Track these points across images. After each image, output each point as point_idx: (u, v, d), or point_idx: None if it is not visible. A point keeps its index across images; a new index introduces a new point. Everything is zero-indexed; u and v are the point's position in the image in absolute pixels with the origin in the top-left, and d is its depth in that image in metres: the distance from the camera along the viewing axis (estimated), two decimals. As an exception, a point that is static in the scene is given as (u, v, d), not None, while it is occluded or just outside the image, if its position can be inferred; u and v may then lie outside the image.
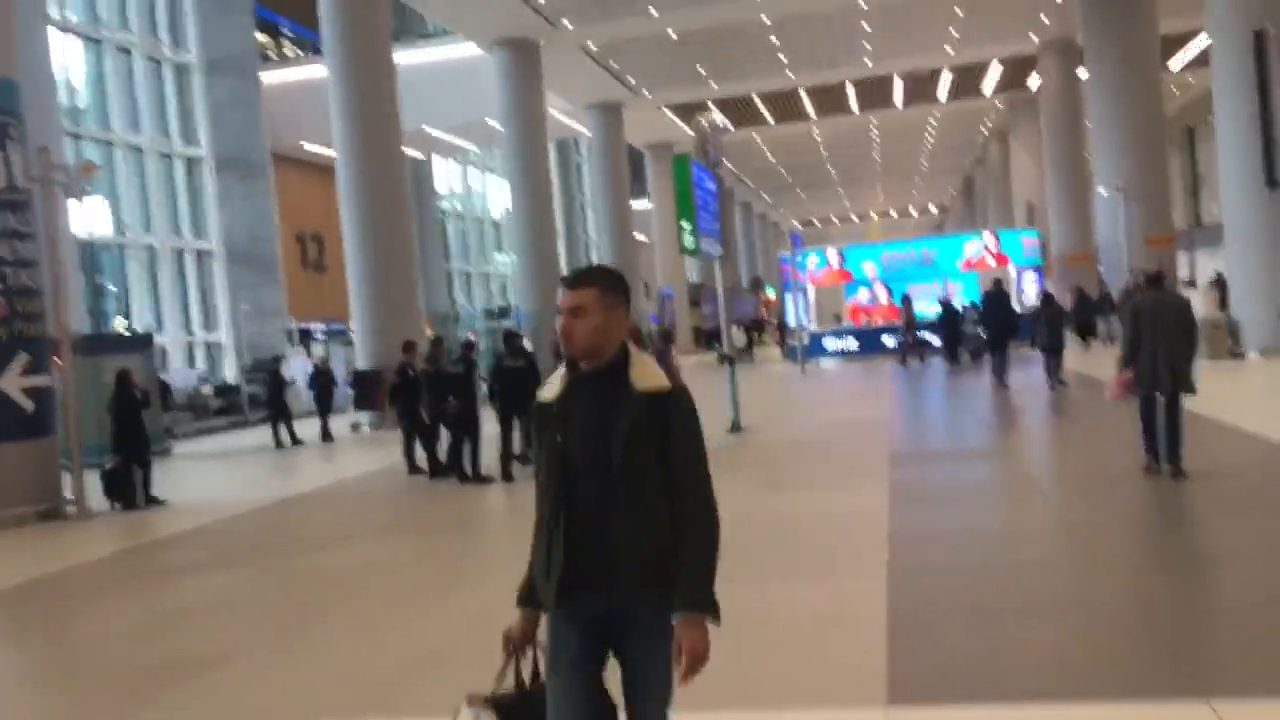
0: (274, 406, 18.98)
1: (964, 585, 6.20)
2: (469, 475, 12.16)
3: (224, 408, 25.44)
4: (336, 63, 21.07)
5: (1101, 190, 26.95)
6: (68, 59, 30.66)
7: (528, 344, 13.56)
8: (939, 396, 19.53)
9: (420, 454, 13.17)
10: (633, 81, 35.02)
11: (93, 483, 12.62)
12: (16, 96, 12.52)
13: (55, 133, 27.18)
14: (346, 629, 6.46)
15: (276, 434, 18.61)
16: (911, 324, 25.73)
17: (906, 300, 25.96)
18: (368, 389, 18.72)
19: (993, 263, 28.79)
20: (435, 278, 44.14)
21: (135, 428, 12.75)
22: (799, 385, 23.61)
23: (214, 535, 10.58)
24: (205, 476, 16.38)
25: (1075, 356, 22.35)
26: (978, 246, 29.67)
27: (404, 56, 34.59)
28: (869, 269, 30.16)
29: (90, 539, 10.93)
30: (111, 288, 32.15)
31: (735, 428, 14.76)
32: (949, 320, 24.10)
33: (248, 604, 7.47)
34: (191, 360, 33.99)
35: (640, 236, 45.30)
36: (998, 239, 30.00)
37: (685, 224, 13.54)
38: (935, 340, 25.56)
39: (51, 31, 27.52)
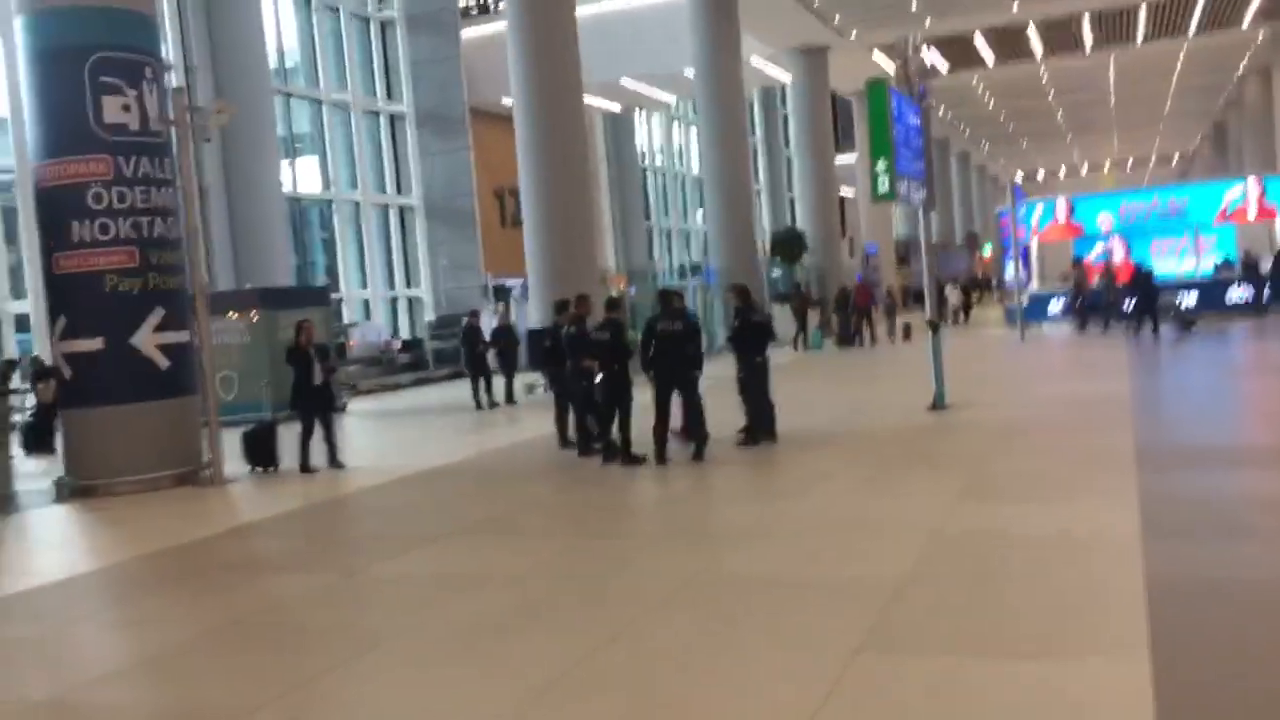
0: (471, 364, 17.75)
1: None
2: (616, 452, 10.46)
3: (411, 363, 24.85)
4: (514, 11, 19.78)
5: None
6: (279, 19, 30.81)
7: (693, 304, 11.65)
8: (1194, 371, 16.41)
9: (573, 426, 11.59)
10: (838, 20, 32.19)
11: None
12: (155, 35, 11.54)
13: (265, 91, 27.28)
14: (385, 686, 4.84)
15: (476, 393, 17.41)
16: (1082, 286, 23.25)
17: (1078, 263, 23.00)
18: (535, 349, 17.34)
19: (1253, 215, 24.66)
20: (635, 235, 42.82)
21: (306, 384, 11.65)
22: (1017, 353, 20.75)
23: (310, 520, 9.33)
24: (365, 437, 15.43)
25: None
26: (1238, 194, 25.46)
27: (600, 4, 33.17)
28: (1104, 222, 26.50)
29: (201, 511, 9.90)
30: (322, 238, 32.33)
31: (937, 405, 12.45)
32: (1143, 288, 21.37)
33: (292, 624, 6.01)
34: (395, 315, 34.02)
35: (847, 191, 42.49)
36: (1263, 187, 25.66)
37: (880, 163, 11.27)
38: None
39: (260, -8, 27.50)
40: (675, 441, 10.41)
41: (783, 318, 26.14)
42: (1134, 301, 21.71)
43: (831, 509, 7.88)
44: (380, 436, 15.68)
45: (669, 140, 48.91)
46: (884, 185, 11.31)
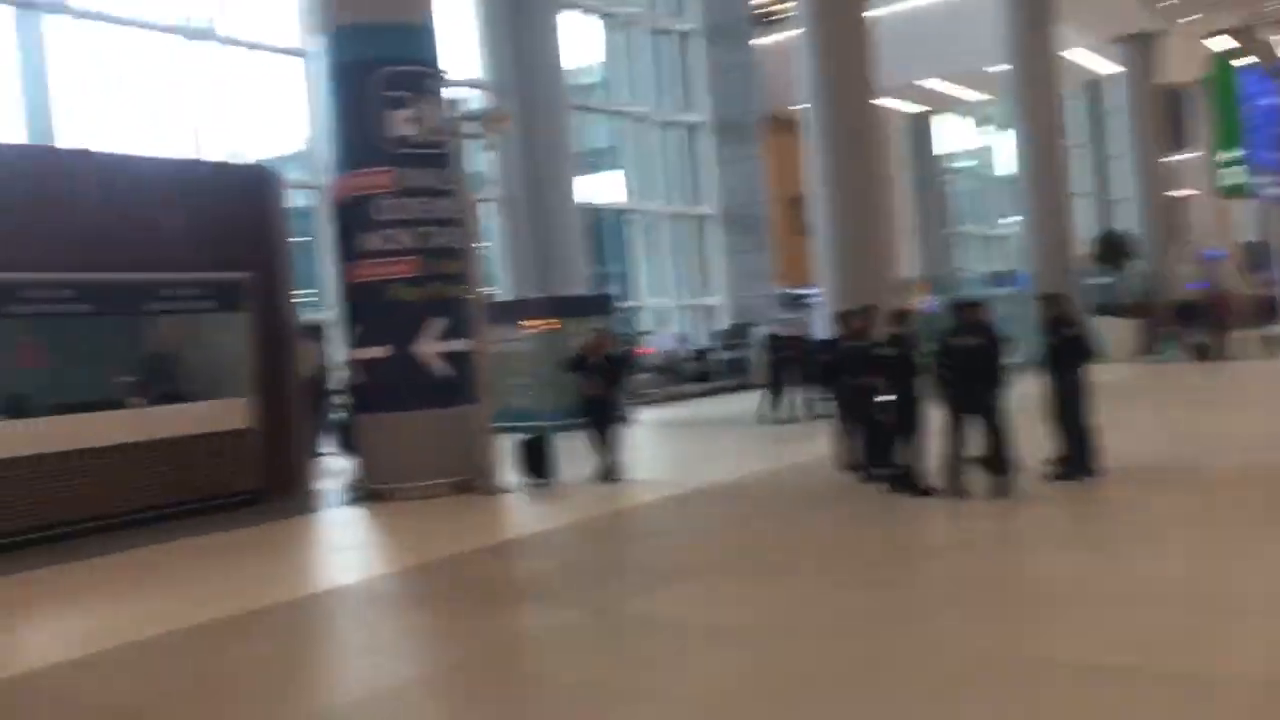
0: (765, 377, 16.88)
1: None
2: (904, 482, 9.25)
3: (700, 373, 24.40)
4: (806, 14, 18.86)
5: None
6: (577, 36, 31.50)
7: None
8: None
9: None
10: (1166, 5, 28.72)
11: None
12: (434, 46, 11.55)
13: (564, 107, 27.92)
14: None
15: (767, 406, 16.47)
16: None
17: None
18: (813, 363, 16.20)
19: None
20: (937, 242, 40.55)
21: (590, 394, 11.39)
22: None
23: (571, 540, 8.78)
24: (648, 449, 14.95)
25: None
26: None
27: (900, 3, 31.52)
28: None
29: (468, 522, 9.64)
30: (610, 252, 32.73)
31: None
32: None
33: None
34: (689, 324, 33.92)
35: (1181, 192, 38.04)
36: None
37: (1228, 152, 9.36)
38: None
39: (562, 13, 28.15)
40: (975, 473, 9.06)
41: (1107, 330, 23.56)
42: None
43: (1171, 570, 6.36)
44: (662, 449, 15.18)
45: (975, 141, 46.03)
46: (1233, 177, 9.38)
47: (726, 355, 24.68)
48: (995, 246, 45.15)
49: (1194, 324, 23.48)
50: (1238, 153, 9.33)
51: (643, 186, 32.91)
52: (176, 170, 12.59)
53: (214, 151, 21.47)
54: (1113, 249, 28.98)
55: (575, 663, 5.40)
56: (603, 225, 32.51)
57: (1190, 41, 31.18)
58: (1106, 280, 27.59)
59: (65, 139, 19.37)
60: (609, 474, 11.12)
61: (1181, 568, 6.39)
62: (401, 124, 10.88)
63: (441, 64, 11.56)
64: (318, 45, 11.46)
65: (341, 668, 5.75)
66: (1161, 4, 28.66)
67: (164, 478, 10.33)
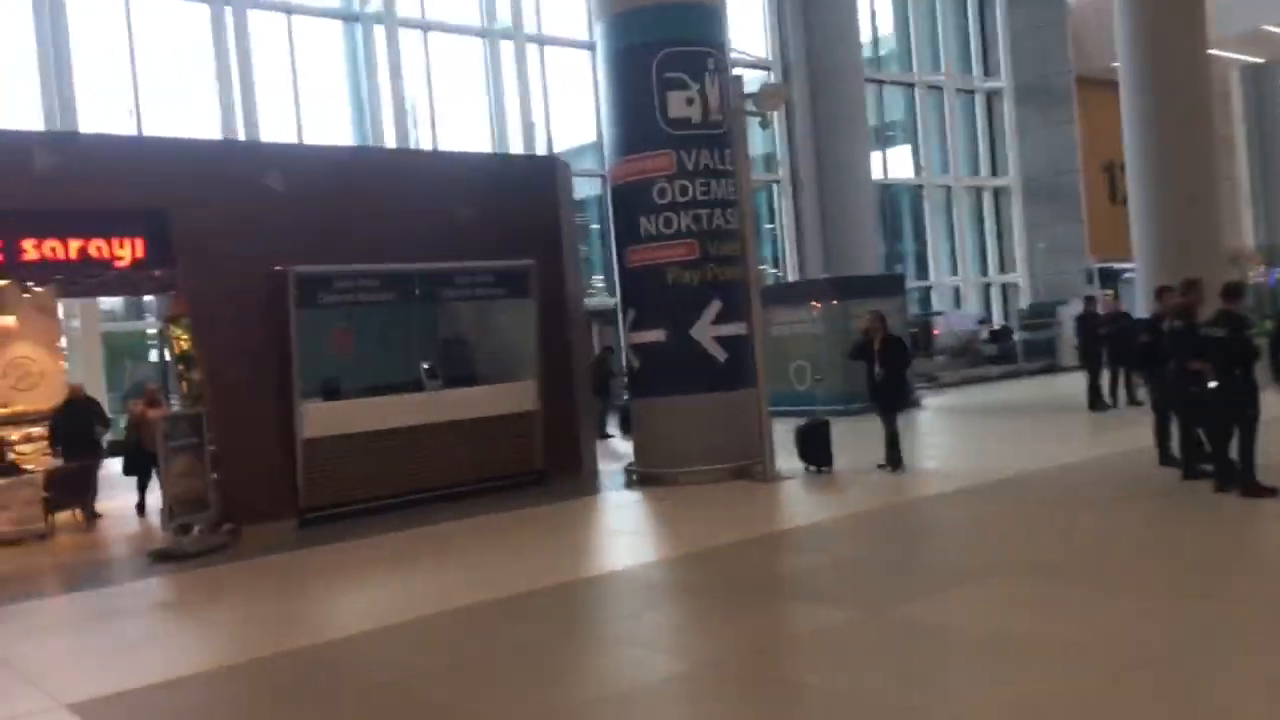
0: (1086, 358, 15.31)
1: None
2: (1235, 478, 8.07)
3: (999, 355, 22.92)
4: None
5: None
6: (873, 6, 30.35)
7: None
8: None
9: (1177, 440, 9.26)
10: None
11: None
12: (720, 25, 11.31)
13: (857, 80, 27.00)
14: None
15: (1093, 390, 14.78)
16: None
17: None
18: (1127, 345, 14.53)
19: None
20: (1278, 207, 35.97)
21: (870, 379, 10.79)
22: None
23: (850, 532, 8.30)
24: (940, 435, 14.14)
25: None
26: None
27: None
28: None
29: (746, 510, 9.39)
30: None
31: None
32: None
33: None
34: (987, 303, 32.06)
35: None
36: None
37: None
38: None
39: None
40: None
41: None
42: None
43: None
44: (956, 435, 14.29)
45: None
46: None
47: (1028, 336, 22.96)
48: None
49: None
50: None
51: (939, 159, 31.36)
52: (471, 164, 13.20)
53: (514, 144, 22.55)
54: None
55: (838, 670, 5.00)
56: (896, 201, 31.32)
57: None
58: None
59: (390, 138, 21.01)
60: (893, 463, 10.53)
61: None
62: (681, 105, 10.76)
63: (726, 42, 11.36)
64: (599, 32, 11.52)
65: (599, 658, 5.66)
66: None
67: (465, 456, 10.83)
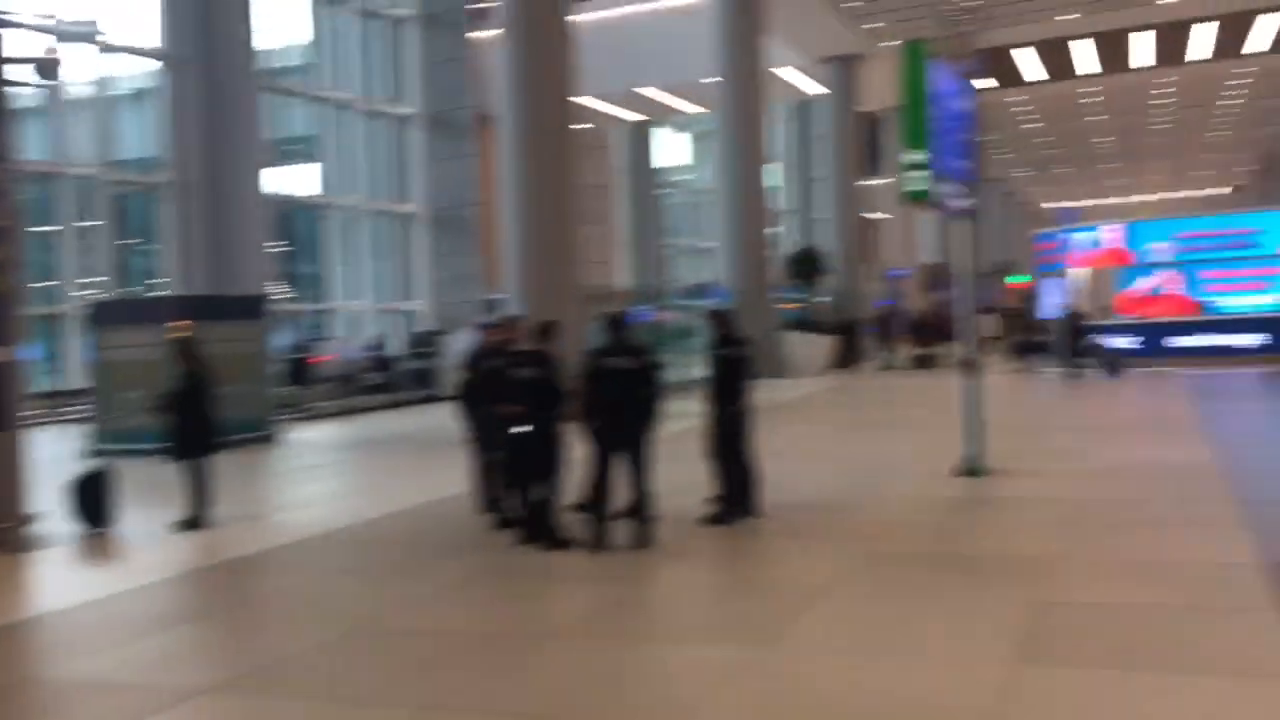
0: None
1: None
2: (536, 530, 7.59)
3: (382, 384, 22.01)
4: (507, 12, 17.16)
5: None
6: (280, 13, 28.29)
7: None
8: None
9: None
10: (870, 28, 29.22)
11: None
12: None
13: (251, 87, 24.73)
14: None
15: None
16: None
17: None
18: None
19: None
20: (651, 255, 39.91)
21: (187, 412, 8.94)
22: (1060, 400, 17.63)
23: (60, 634, 6.45)
24: (273, 479, 12.63)
25: None
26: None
27: (622, 8, 30.50)
28: (1159, 251, 23.12)
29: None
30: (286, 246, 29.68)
31: (971, 471, 9.45)
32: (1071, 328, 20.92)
33: None
34: (391, 331, 31.34)
35: (885, 215, 39.24)
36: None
37: (913, 155, 8.32)
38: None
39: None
40: (618, 520, 7.49)
41: (800, 345, 23.28)
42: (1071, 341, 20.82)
43: (821, 671, 4.91)
44: (305, 476, 12.83)
45: (693, 154, 46.06)
46: (917, 182, 8.34)
47: (413, 365, 22.41)
48: (709, 260, 45.35)
49: (920, 338, 26.02)
50: (923, 156, 8.28)
51: (343, 180, 30.10)
52: None
53: None
54: (806, 265, 29.10)
55: None
56: (298, 220, 29.48)
57: (891, 64, 31.97)
58: (800, 296, 27.63)
59: None
60: (191, 520, 8.75)
61: (832, 663, 4.96)
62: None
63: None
64: None
65: None
66: (867, 26, 29.05)
67: None
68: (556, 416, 7.68)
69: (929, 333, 25.81)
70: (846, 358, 24.48)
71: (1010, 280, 48.76)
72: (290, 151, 29.85)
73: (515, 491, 7.99)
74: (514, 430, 7.74)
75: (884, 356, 26.93)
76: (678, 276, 41.25)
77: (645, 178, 39.63)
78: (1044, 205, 67.95)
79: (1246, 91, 39.74)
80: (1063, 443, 12.10)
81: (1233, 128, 47.59)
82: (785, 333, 23.70)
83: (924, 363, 25.24)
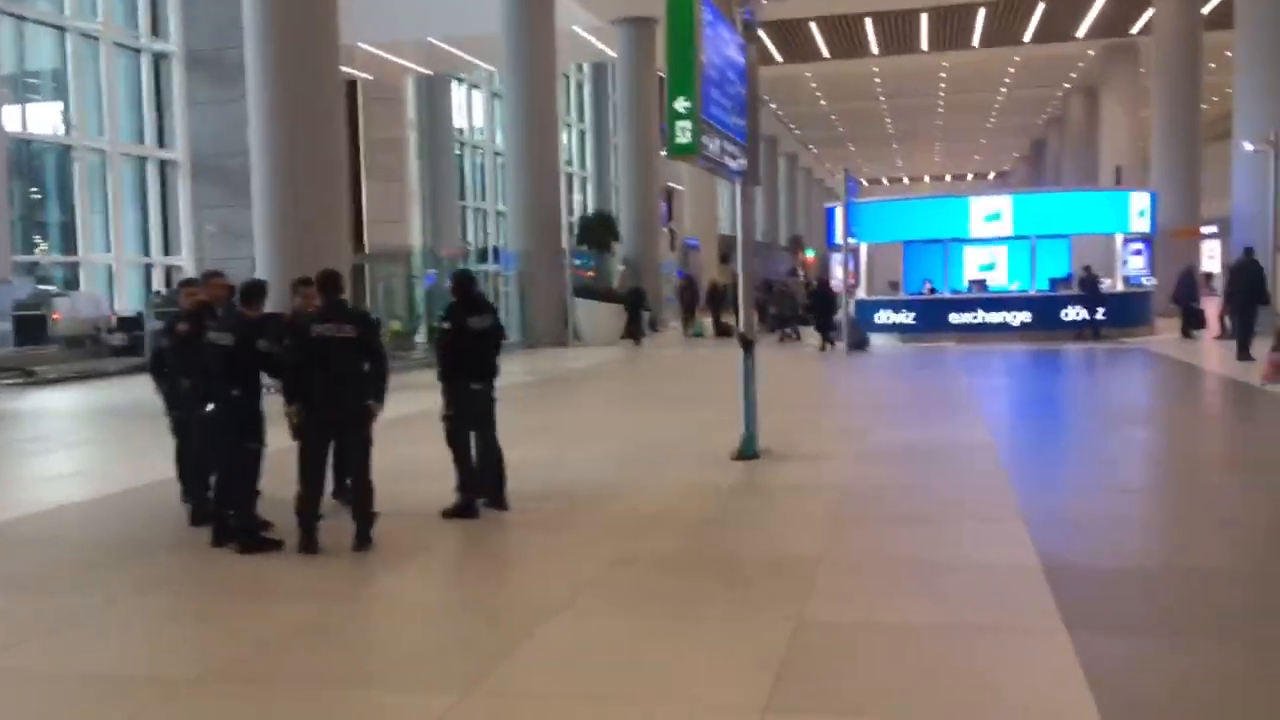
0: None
1: None
2: (231, 530, 6.23)
3: (127, 346, 19.61)
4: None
5: (1247, 145, 20.31)
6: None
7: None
8: (1073, 394, 13.43)
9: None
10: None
11: None
12: None
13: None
14: None
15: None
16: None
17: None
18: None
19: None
20: (448, 216, 37.96)
21: None
22: (844, 376, 17.36)
23: None
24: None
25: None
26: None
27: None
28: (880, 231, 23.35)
29: None
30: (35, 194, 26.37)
31: (745, 454, 8.66)
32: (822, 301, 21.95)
33: None
34: (149, 286, 28.32)
35: (678, 186, 38.78)
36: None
37: (680, 102, 7.35)
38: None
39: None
40: (341, 515, 6.21)
41: (587, 313, 22.32)
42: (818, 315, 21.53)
43: (548, 709, 3.86)
44: (14, 453, 10.81)
45: (490, 114, 44.23)
46: (684, 135, 7.37)
47: (159, 325, 20.04)
48: (501, 221, 43.78)
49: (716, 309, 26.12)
50: (691, 103, 7.35)
51: (94, 121, 26.85)
52: None
53: None
54: (597, 232, 28.14)
55: None
56: (42, 163, 26.11)
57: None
58: (592, 263, 26.68)
59: None
60: None
61: (562, 702, 3.91)
62: None
63: None
64: None
65: None
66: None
67: None
68: (255, 392, 6.32)
69: (724, 303, 25.43)
70: (634, 328, 23.70)
71: (808, 254, 49.76)
72: (31, 85, 26.45)
73: (200, 481, 6.61)
74: (201, 409, 6.35)
75: (695, 326, 26.49)
76: (474, 239, 39.61)
77: (443, 135, 37.56)
78: (837, 184, 69.94)
79: (1014, 82, 41.61)
80: (844, 420, 11.59)
81: (1003, 116, 50.02)
82: (574, 300, 22.72)
83: (726, 332, 24.86)
